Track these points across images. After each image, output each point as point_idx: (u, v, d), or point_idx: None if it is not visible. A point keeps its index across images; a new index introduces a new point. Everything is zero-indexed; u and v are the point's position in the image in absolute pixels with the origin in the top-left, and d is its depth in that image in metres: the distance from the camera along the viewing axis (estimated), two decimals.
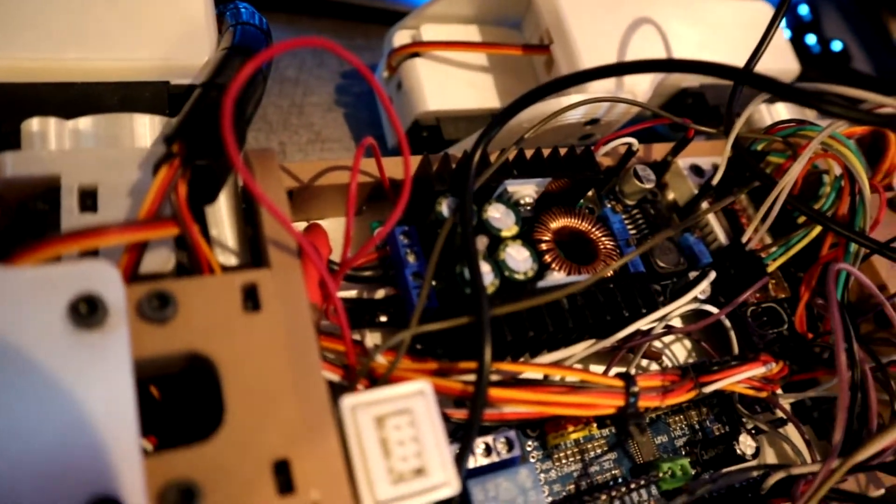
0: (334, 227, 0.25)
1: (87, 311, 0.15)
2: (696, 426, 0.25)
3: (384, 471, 0.16)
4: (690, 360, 0.27)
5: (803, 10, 0.48)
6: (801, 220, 0.28)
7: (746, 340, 0.26)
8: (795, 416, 0.25)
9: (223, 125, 0.16)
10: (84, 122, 0.21)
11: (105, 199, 0.19)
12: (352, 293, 0.23)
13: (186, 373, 0.17)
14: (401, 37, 0.32)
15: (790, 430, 0.26)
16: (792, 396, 0.26)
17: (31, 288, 0.15)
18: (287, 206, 0.20)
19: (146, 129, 0.21)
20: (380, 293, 0.23)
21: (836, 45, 0.46)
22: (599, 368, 0.25)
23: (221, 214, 0.20)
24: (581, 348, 0.23)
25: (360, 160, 0.21)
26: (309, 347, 0.17)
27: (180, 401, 0.19)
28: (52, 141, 0.20)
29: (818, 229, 0.26)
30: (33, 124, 0.20)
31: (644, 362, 0.26)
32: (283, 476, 0.16)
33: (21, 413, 0.14)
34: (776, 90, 0.19)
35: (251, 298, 0.18)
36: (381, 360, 0.20)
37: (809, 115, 0.34)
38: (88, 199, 0.19)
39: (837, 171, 0.26)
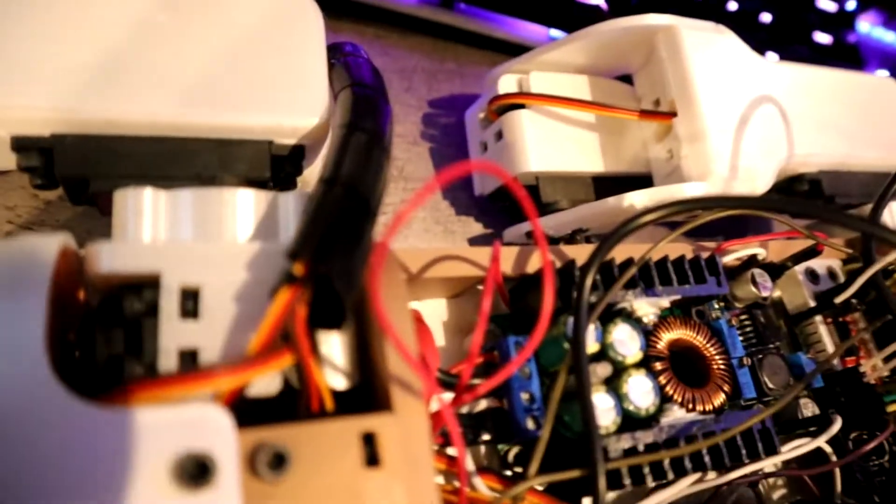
0: (429, 310, 0.23)
1: (195, 470, 0.14)
2: None
3: None
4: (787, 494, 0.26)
5: None
6: None
7: (847, 471, 0.24)
8: None
9: (372, 284, 0.13)
10: (182, 196, 0.18)
11: (208, 303, 0.16)
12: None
13: None
14: (506, 82, 0.29)
15: None
16: None
17: (137, 435, 0.14)
18: (412, 333, 0.17)
19: (250, 207, 0.19)
20: (481, 404, 0.21)
21: None
22: None
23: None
24: (685, 484, 0.22)
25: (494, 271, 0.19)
26: None
27: None
28: (146, 217, 0.18)
29: None
30: (128, 197, 0.18)
31: None
32: None
33: None
34: None
35: (370, 447, 0.16)
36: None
37: None
38: (190, 302, 0.16)
39: None
